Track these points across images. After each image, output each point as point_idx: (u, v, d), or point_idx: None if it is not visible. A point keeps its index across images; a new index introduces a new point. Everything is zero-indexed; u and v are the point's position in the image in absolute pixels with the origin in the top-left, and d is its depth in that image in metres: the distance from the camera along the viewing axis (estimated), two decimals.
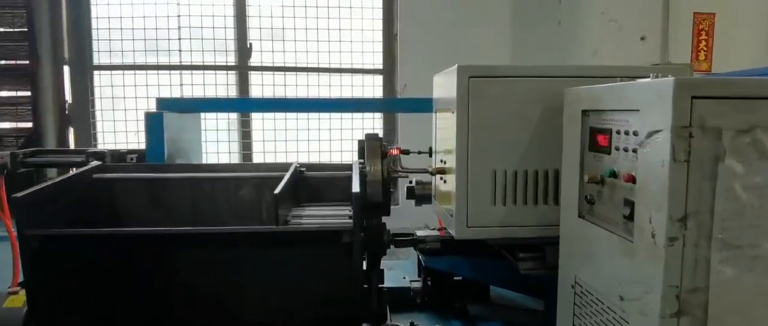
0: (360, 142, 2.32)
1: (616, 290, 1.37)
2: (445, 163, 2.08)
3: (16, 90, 4.19)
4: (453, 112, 1.85)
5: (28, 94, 4.19)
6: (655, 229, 1.19)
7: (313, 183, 2.13)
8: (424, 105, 2.70)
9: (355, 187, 1.52)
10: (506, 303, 2.50)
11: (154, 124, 2.27)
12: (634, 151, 1.30)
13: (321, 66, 4.70)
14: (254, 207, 2.02)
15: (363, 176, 1.88)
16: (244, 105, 2.69)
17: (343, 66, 4.75)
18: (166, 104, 2.50)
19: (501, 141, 1.81)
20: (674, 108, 1.13)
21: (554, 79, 1.78)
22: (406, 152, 2.55)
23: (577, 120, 1.58)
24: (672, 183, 1.14)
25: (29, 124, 4.22)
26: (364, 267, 2.23)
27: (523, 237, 1.86)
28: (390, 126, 4.87)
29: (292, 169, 1.91)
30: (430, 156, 2.43)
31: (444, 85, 2.09)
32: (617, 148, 1.39)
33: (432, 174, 2.10)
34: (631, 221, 1.30)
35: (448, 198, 2.00)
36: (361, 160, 1.95)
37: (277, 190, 1.57)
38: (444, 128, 2.11)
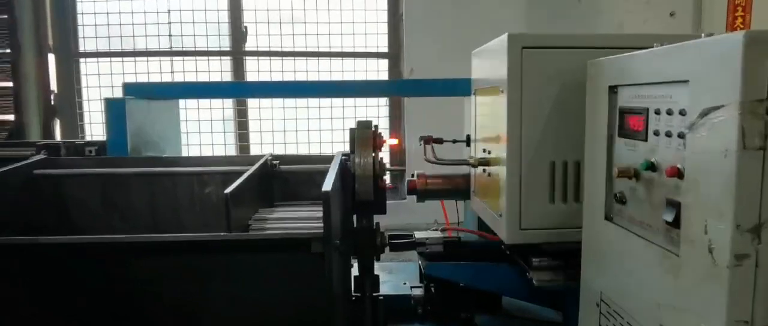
0: (351, 131, 2.04)
1: (655, 316, 1.06)
2: (489, 152, 1.76)
3: None
4: (502, 92, 1.53)
5: (10, 84, 3.97)
6: (714, 243, 0.87)
7: (289, 180, 1.83)
8: (435, 87, 2.39)
9: (328, 184, 1.21)
10: (521, 313, 2.19)
11: (115, 111, 2.00)
12: (681, 136, 0.98)
13: (321, 50, 4.38)
14: (222, 207, 1.73)
15: (345, 169, 1.58)
16: (225, 89, 2.36)
17: (346, 50, 4.42)
18: (133, 90, 2.23)
19: (561, 126, 1.49)
20: (744, 74, 0.81)
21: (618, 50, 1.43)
22: (439, 141, 2.22)
23: (602, 98, 1.27)
24: (740, 180, 0.82)
25: (11, 117, 4.00)
26: (356, 274, 1.98)
27: None
28: (396, 114, 4.56)
29: (260, 163, 1.61)
30: (468, 144, 2.12)
31: (488, 61, 1.77)
32: (656, 133, 1.07)
33: (473, 165, 1.78)
34: (677, 229, 0.98)
35: (493, 194, 1.69)
36: (345, 153, 1.65)
37: (229, 189, 1.28)
38: (488, 113, 1.80)
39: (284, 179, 1.82)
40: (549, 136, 1.50)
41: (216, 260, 1.34)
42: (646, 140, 1.11)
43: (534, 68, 1.48)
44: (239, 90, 2.39)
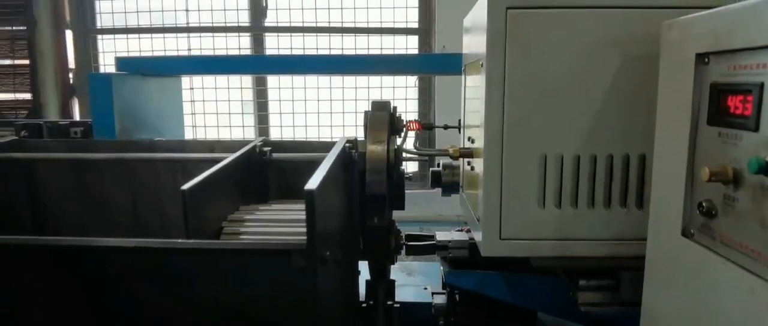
0: (366, 113, 1.77)
1: None
2: (473, 141, 1.46)
3: (13, 58, 3.84)
4: (483, 66, 1.23)
5: (27, 62, 3.84)
6: None
7: (287, 170, 1.56)
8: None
9: (314, 181, 0.93)
10: None
11: (100, 88, 1.77)
12: None
13: (346, 26, 4.07)
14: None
15: (349, 159, 1.29)
16: (227, 65, 2.08)
17: (372, 25, 4.09)
18: (126, 64, 1.99)
19: (556, 109, 1.18)
20: None
21: (644, 11, 1.15)
22: (429, 127, 2.01)
23: (686, 71, 0.93)
24: None
25: (28, 96, 3.87)
26: (368, 278, 1.71)
27: (587, 257, 1.23)
28: (426, 98, 4.22)
29: (243, 150, 1.34)
30: (460, 131, 1.82)
31: (472, 28, 1.46)
32: None
33: (453, 157, 1.48)
34: None
35: (475, 193, 1.39)
36: (349, 141, 1.36)
37: (187, 185, 1.01)
38: (473, 96, 1.49)
39: (281, 169, 1.55)
40: (540, 121, 1.18)
41: (181, 264, 1.09)
42: (756, 129, 0.77)
43: (522, 34, 1.16)
44: (241, 66, 2.11)
